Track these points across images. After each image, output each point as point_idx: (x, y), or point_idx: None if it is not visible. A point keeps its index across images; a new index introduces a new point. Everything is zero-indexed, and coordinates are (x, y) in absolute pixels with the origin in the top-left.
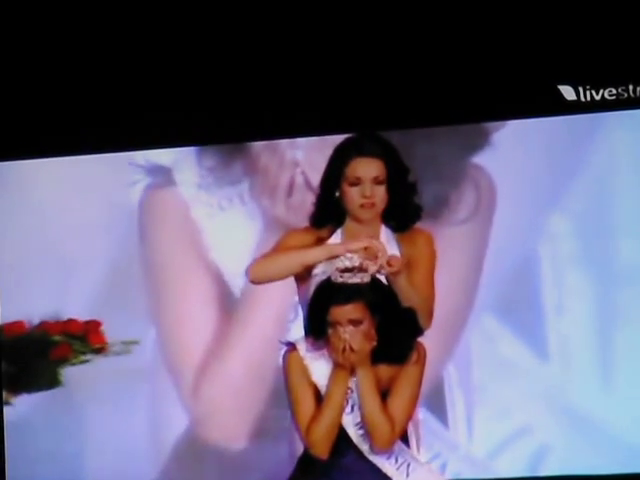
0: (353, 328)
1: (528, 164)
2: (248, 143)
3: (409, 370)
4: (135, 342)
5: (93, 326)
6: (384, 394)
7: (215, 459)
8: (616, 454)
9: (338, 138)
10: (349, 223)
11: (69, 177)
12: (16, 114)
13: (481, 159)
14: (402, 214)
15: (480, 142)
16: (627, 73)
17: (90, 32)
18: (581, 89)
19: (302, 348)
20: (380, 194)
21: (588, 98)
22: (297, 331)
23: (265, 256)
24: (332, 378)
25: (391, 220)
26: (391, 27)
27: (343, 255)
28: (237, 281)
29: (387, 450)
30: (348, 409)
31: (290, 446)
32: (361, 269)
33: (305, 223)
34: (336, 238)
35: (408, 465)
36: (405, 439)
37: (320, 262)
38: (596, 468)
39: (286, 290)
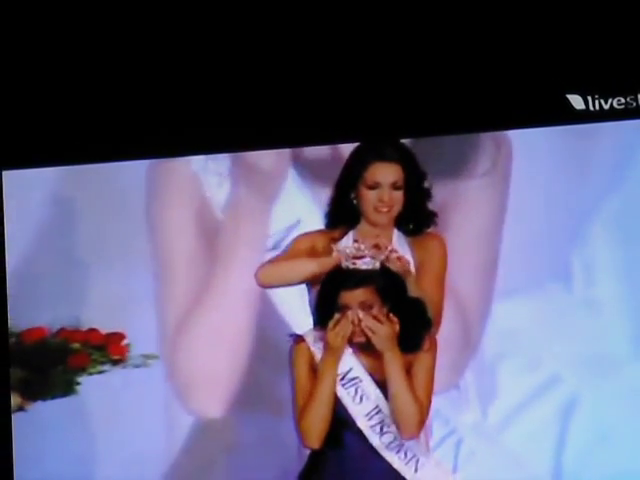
0: (363, 312)
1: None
2: None
3: (422, 357)
4: (155, 357)
5: (115, 338)
6: None
7: (223, 462)
8: None
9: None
10: (362, 225)
11: (92, 184)
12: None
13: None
14: (416, 219)
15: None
16: (636, 82)
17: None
18: (590, 98)
19: (310, 340)
20: (397, 199)
21: (597, 107)
22: (300, 315)
23: (274, 262)
24: (321, 364)
25: (405, 224)
26: (401, 38)
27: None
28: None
29: (413, 436)
30: (357, 399)
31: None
32: (371, 257)
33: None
34: (348, 239)
35: (417, 460)
36: None
37: (326, 271)
38: None
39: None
